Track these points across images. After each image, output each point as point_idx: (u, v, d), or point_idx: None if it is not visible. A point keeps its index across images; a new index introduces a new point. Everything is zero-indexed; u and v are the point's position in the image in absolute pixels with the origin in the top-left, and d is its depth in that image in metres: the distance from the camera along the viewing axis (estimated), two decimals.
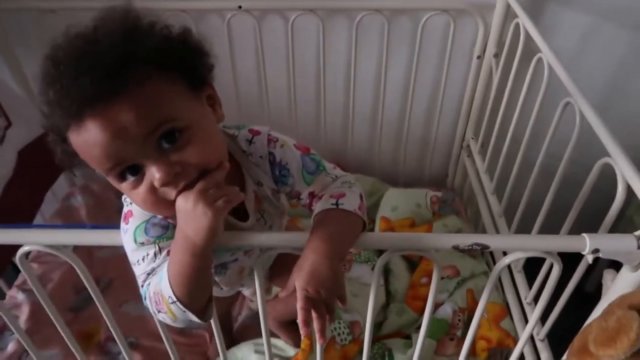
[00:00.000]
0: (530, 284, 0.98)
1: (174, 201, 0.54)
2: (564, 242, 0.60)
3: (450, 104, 1.39)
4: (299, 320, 0.56)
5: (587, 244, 0.58)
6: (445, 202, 1.41)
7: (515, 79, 1.13)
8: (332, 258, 0.57)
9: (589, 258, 0.61)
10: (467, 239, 0.59)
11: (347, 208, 0.63)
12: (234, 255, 0.72)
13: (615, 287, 0.64)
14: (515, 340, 1.01)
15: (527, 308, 0.99)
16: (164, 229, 0.60)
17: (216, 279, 0.77)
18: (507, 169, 1.13)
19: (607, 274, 0.69)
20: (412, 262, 1.24)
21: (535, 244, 0.60)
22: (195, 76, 0.56)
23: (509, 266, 1.10)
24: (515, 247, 0.61)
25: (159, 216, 0.60)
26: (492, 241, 0.60)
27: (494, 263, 1.26)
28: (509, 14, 1.17)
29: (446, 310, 1.07)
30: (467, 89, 1.34)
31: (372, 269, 1.19)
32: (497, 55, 1.23)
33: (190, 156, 0.52)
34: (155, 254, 0.60)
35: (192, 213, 0.52)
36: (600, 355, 0.57)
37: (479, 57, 1.26)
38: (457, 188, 1.52)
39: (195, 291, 0.58)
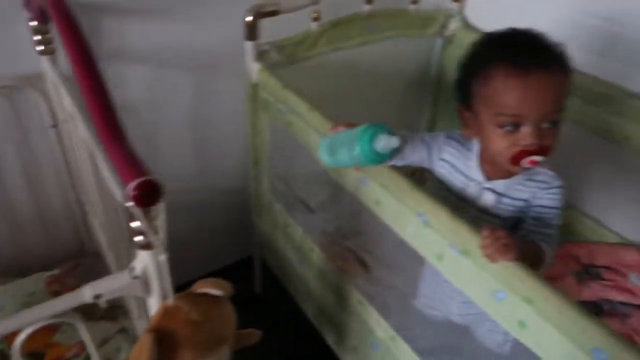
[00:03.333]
0: None
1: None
2: (67, 301, 0.63)
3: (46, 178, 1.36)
4: None
5: (86, 294, 0.63)
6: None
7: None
8: None
9: (101, 303, 0.66)
10: None
11: None
12: None
13: (150, 313, 0.72)
14: None
15: None
16: None
17: None
18: None
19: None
20: None
21: (40, 314, 0.62)
22: None
23: None
24: (24, 324, 0.62)
25: None
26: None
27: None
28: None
29: None
30: (56, 157, 1.32)
31: None
32: (67, 121, 1.24)
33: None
34: None
35: None
36: None
37: (54, 126, 1.26)
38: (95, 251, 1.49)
39: None
